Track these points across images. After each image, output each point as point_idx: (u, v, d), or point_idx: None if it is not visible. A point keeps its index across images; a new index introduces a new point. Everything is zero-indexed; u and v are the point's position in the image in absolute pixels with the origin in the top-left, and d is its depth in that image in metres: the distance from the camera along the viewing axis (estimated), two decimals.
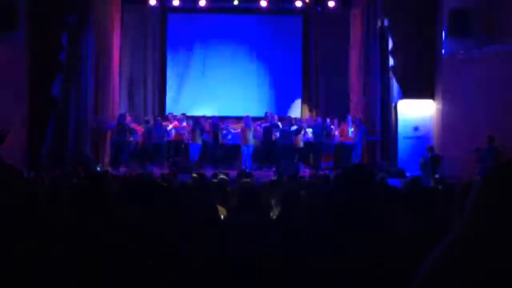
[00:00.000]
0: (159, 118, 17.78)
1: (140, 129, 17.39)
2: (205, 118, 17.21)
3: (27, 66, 15.89)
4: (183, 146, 17.35)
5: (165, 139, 17.14)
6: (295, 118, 17.94)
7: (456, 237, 1.44)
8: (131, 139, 17.00)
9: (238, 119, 18.06)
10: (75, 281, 2.38)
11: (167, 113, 18.39)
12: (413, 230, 3.49)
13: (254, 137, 16.73)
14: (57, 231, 2.75)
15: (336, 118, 17.92)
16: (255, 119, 17.40)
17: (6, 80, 15.15)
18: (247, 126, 16.51)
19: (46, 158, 15.59)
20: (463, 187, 3.73)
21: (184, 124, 17.41)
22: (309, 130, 17.33)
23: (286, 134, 16.79)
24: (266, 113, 17.57)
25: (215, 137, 16.97)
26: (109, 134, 17.40)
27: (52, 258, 2.39)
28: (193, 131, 16.78)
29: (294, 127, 17.00)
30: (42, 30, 15.89)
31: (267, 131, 16.87)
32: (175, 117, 17.74)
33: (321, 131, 17.02)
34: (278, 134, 16.84)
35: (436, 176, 13.47)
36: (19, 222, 2.68)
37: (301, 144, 17.13)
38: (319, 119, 17.52)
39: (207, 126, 16.91)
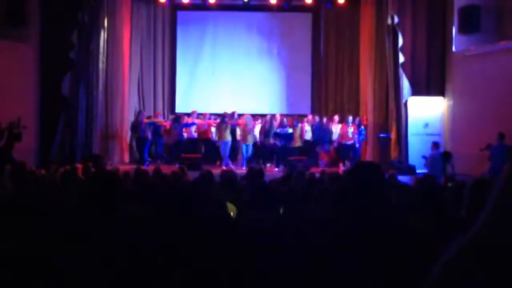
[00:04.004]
0: (179, 115, 17.90)
1: (167, 124, 17.48)
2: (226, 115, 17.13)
3: (37, 63, 15.97)
4: (211, 143, 17.39)
5: (185, 136, 17.30)
6: (293, 119, 17.96)
7: (475, 234, 1.43)
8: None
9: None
10: (85, 278, 2.40)
11: (190, 110, 18.32)
12: (423, 227, 3.49)
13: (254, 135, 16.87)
14: (68, 228, 2.76)
15: (336, 115, 17.93)
16: (263, 116, 17.48)
17: (17, 77, 15.23)
18: (247, 125, 16.53)
19: (56, 156, 15.67)
20: (473, 184, 3.72)
21: (209, 121, 17.49)
22: (308, 129, 17.39)
23: (283, 136, 16.87)
24: (266, 116, 17.57)
25: (233, 135, 16.98)
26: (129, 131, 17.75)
27: (62, 254, 2.40)
28: (220, 128, 16.75)
29: (290, 130, 17.01)
30: (52, 27, 15.96)
31: (265, 134, 17.01)
32: (200, 115, 17.83)
33: (319, 131, 17.08)
34: (273, 136, 16.98)
35: (446, 172, 13.43)
36: (32, 217, 2.70)
37: (299, 143, 17.14)
38: (317, 118, 17.59)
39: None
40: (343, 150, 17.10)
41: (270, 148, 17.02)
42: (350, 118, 17.23)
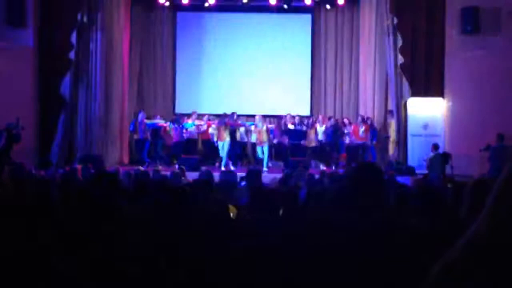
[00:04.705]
0: (178, 116, 17.97)
1: (166, 125, 17.49)
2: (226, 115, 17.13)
3: (36, 64, 15.97)
4: (210, 144, 17.38)
5: (185, 136, 17.30)
6: (307, 118, 18.06)
7: (474, 234, 1.43)
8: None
9: (247, 117, 18.11)
10: (87, 279, 2.40)
11: (189, 111, 18.30)
12: (423, 228, 3.49)
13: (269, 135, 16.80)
14: (69, 229, 2.77)
15: (346, 118, 17.98)
16: (265, 117, 17.50)
17: (16, 78, 15.23)
18: (259, 127, 16.53)
19: (55, 157, 15.68)
20: (473, 185, 3.72)
21: (209, 122, 17.51)
22: (320, 130, 17.34)
23: (297, 134, 16.90)
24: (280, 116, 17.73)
25: (233, 135, 16.95)
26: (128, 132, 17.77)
27: (64, 255, 2.40)
28: (219, 129, 16.69)
29: (304, 128, 17.08)
30: (51, 28, 15.97)
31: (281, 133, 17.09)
32: (200, 115, 17.88)
33: (334, 132, 17.04)
34: (287, 134, 17.00)
35: (446, 173, 13.45)
36: (32, 219, 2.70)
37: (313, 143, 17.14)
38: (332, 119, 17.59)
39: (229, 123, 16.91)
40: (355, 150, 17.06)
41: (284, 148, 17.07)
42: (360, 117, 17.24)
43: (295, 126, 17.30)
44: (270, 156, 16.84)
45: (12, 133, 14.06)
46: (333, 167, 16.48)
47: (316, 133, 17.28)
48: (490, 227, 1.41)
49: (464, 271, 1.38)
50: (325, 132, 17.19)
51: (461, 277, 1.38)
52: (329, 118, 17.84)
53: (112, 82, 17.42)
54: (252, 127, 16.97)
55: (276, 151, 17.35)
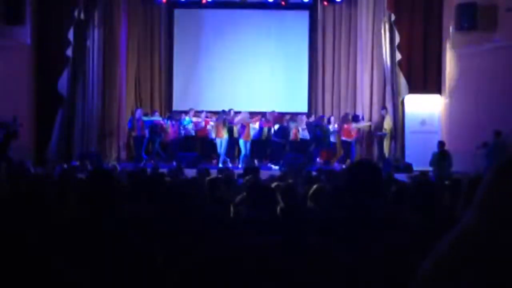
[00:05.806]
0: (176, 112, 17.99)
1: (164, 123, 17.46)
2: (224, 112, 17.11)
3: (33, 61, 15.95)
4: (208, 141, 17.36)
5: (183, 133, 17.26)
6: (291, 117, 17.93)
7: (464, 228, 1.44)
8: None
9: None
10: (84, 278, 2.40)
11: (187, 108, 18.22)
12: (420, 225, 3.50)
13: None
14: (66, 227, 2.76)
15: (332, 116, 17.94)
16: (259, 114, 17.53)
17: (13, 75, 15.21)
18: (245, 121, 16.56)
19: (53, 154, 15.67)
20: (469, 182, 3.73)
21: (207, 119, 17.50)
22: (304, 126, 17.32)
23: (281, 132, 16.85)
24: (269, 112, 17.67)
25: (231, 132, 16.93)
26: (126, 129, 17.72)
27: (61, 253, 2.40)
28: (217, 126, 16.67)
29: (292, 125, 16.94)
30: (48, 25, 15.97)
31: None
32: (198, 112, 17.86)
33: (315, 128, 17.00)
34: (272, 132, 16.99)
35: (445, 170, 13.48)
36: (26, 217, 2.70)
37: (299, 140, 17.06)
38: (312, 117, 17.62)
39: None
40: (344, 147, 17.00)
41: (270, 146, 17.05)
42: (350, 114, 17.23)
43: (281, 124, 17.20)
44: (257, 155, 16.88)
45: (9, 130, 14.04)
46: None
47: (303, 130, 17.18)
48: (480, 222, 1.41)
49: (453, 266, 1.38)
50: (305, 130, 17.15)
51: (449, 272, 1.39)
52: (308, 117, 17.86)
53: (110, 79, 17.40)
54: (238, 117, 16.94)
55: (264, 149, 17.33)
